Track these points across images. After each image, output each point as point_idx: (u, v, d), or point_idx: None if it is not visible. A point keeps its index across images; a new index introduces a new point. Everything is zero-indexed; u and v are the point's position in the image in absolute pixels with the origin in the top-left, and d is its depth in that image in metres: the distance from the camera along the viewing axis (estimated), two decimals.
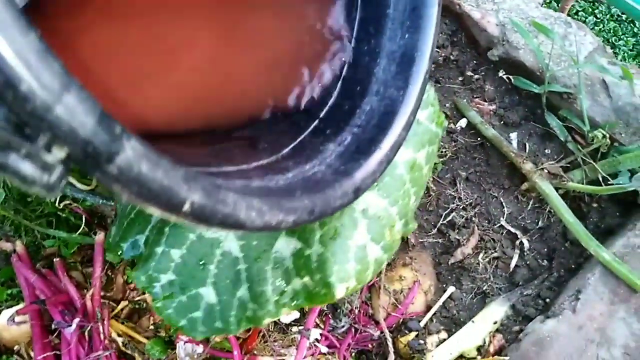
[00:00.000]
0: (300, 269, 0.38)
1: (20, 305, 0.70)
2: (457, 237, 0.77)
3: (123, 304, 0.71)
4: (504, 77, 0.82)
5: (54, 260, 0.77)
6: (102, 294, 0.72)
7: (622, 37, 1.66)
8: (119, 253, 0.45)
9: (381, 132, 0.41)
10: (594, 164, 0.72)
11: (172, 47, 0.38)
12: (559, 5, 1.13)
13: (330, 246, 0.38)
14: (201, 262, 0.41)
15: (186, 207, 0.23)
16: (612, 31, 1.66)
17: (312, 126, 0.46)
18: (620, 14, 1.68)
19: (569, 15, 0.92)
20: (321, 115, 0.46)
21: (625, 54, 1.64)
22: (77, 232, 0.81)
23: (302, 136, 0.45)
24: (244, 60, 0.43)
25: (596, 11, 1.69)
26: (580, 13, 1.67)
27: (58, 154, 0.20)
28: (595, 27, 1.65)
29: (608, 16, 1.68)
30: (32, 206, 0.83)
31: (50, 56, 0.18)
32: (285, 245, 0.39)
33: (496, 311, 0.71)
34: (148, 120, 0.36)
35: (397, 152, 0.40)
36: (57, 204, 0.81)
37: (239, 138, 0.44)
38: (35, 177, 0.19)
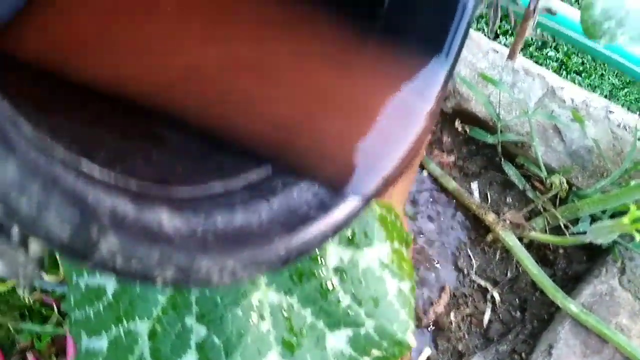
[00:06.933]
0: None
1: None
2: (429, 294, 0.76)
3: None
4: (460, 127, 0.82)
5: (27, 354, 0.76)
6: None
7: None
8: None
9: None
10: (554, 211, 0.72)
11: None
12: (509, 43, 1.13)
13: None
14: None
15: (158, 282, 0.24)
16: None
17: None
18: None
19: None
20: None
21: None
22: (50, 323, 0.81)
23: None
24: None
25: None
26: None
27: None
28: None
29: None
30: (1, 301, 0.83)
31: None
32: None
33: None
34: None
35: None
36: (26, 298, 0.80)
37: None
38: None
